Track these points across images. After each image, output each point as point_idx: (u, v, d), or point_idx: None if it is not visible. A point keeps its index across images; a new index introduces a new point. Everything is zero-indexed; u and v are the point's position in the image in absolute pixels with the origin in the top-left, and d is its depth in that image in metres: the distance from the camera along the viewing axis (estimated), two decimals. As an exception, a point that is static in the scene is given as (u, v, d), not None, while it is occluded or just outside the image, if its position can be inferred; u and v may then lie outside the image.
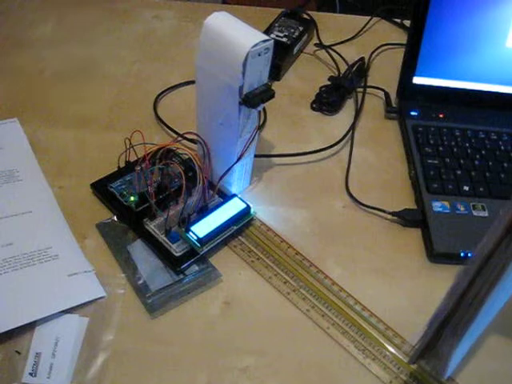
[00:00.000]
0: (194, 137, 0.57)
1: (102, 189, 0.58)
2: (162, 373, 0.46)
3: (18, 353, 0.46)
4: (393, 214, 0.59)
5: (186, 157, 0.60)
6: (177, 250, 0.53)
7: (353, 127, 0.69)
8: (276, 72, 0.75)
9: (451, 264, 0.56)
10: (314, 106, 0.73)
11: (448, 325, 0.37)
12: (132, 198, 0.56)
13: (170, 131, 0.66)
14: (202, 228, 0.53)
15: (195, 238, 0.52)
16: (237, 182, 0.58)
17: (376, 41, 0.83)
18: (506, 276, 0.33)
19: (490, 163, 0.64)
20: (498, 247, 0.32)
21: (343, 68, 0.77)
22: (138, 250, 0.54)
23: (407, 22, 0.87)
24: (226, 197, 0.58)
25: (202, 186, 0.53)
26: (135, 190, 0.56)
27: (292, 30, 0.80)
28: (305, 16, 0.84)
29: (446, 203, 0.59)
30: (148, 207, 0.55)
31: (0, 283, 0.49)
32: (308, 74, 0.78)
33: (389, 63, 0.79)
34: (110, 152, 0.59)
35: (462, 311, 0.36)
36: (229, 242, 0.55)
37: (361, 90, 0.74)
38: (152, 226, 0.54)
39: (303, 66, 0.79)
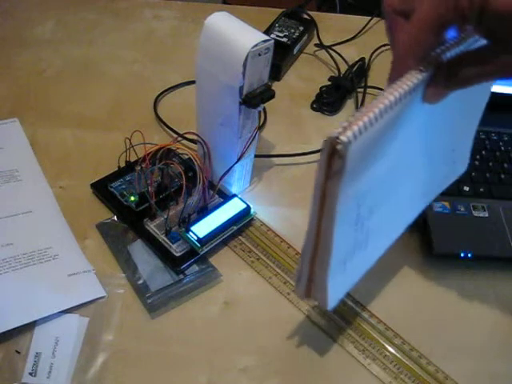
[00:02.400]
0: (194, 137, 0.57)
1: (102, 189, 0.58)
2: (161, 373, 0.46)
3: (18, 353, 0.46)
4: (393, 214, 0.59)
5: (186, 157, 0.60)
6: (177, 250, 0.53)
7: (353, 127, 0.69)
8: (276, 72, 0.75)
9: (451, 264, 0.56)
10: (314, 106, 0.73)
11: (316, 256, 0.40)
12: (132, 198, 0.56)
13: (170, 131, 0.66)
14: (202, 228, 0.53)
15: (195, 238, 0.52)
16: (237, 182, 0.58)
17: (376, 41, 0.83)
18: (342, 204, 0.35)
19: (491, 164, 0.64)
20: (327, 179, 0.34)
21: (343, 68, 0.77)
22: (138, 250, 0.54)
23: (407, 22, 0.86)
24: (226, 197, 0.58)
25: (202, 186, 0.53)
26: (135, 190, 0.56)
27: (292, 30, 0.80)
28: (305, 16, 0.84)
29: (446, 203, 0.59)
30: (148, 207, 0.55)
31: (0, 283, 0.49)
32: (308, 74, 0.78)
33: (389, 63, 0.78)
34: (110, 152, 0.59)
35: (321, 241, 0.38)
36: (229, 242, 0.55)
37: (361, 90, 0.74)
38: (152, 226, 0.54)
39: (303, 66, 0.79)
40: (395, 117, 0.35)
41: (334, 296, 0.43)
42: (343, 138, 0.31)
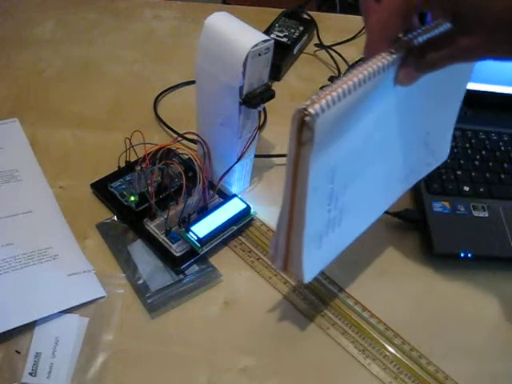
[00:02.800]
0: (194, 137, 0.57)
1: (102, 189, 0.58)
2: (161, 373, 0.46)
3: (18, 352, 0.46)
4: (393, 214, 0.59)
5: (186, 157, 0.60)
6: (177, 250, 0.53)
7: (353, 127, 0.69)
8: (276, 72, 0.75)
9: (451, 264, 0.56)
10: (314, 106, 0.73)
11: (291, 229, 0.41)
12: (132, 198, 0.56)
13: (170, 131, 0.66)
14: (202, 228, 0.53)
15: (195, 238, 0.52)
16: (237, 182, 0.58)
17: (376, 41, 0.83)
18: (313, 176, 0.36)
19: (491, 164, 0.64)
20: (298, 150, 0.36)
21: (343, 68, 0.77)
22: (138, 250, 0.54)
23: (407, 22, 0.86)
24: (226, 197, 0.58)
25: (202, 186, 0.53)
26: (135, 190, 0.56)
27: (292, 30, 0.80)
28: (305, 16, 0.84)
29: (446, 203, 0.59)
30: (148, 207, 0.55)
31: (0, 283, 0.49)
32: (308, 74, 0.78)
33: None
34: (110, 152, 0.59)
35: (295, 213, 0.39)
36: (229, 242, 0.55)
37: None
38: (152, 226, 0.54)
39: (303, 66, 0.79)
40: (366, 94, 0.36)
41: (309, 270, 0.44)
42: (311, 110, 0.33)
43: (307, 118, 0.33)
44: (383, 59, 0.37)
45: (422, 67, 0.39)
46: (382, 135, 0.43)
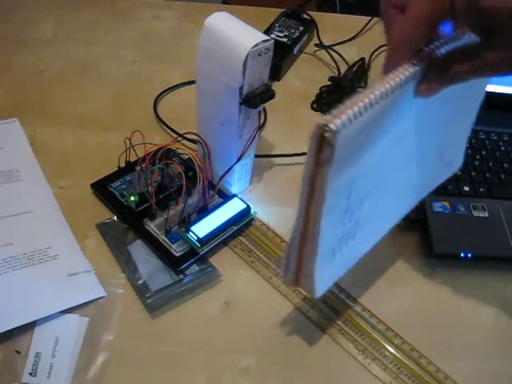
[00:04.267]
0: (194, 137, 0.57)
1: (102, 189, 0.58)
2: (161, 373, 0.46)
3: (18, 352, 0.46)
4: (393, 214, 0.59)
5: (186, 157, 0.60)
6: (177, 250, 0.53)
7: (353, 127, 0.69)
8: (276, 72, 0.75)
9: (451, 264, 0.56)
10: (315, 106, 0.73)
11: (304, 245, 0.40)
12: (132, 198, 0.56)
13: (170, 131, 0.66)
14: (202, 228, 0.53)
15: (195, 238, 0.52)
16: (237, 182, 0.58)
17: (376, 41, 0.83)
18: (331, 192, 0.35)
19: (491, 164, 0.64)
20: (317, 170, 0.34)
21: (343, 68, 0.77)
22: (138, 250, 0.53)
23: (407, 22, 0.86)
24: (226, 197, 0.58)
25: (202, 186, 0.53)
26: (135, 190, 0.56)
27: (292, 30, 0.80)
28: (305, 16, 0.84)
29: (447, 203, 0.59)
30: (148, 207, 0.55)
31: (0, 283, 0.49)
32: (308, 74, 0.78)
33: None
34: (109, 152, 0.59)
35: (309, 230, 0.38)
36: (229, 242, 0.55)
37: (361, 90, 0.74)
38: (152, 226, 0.54)
39: (303, 66, 0.79)
40: (386, 108, 0.35)
41: (321, 285, 0.43)
42: (332, 125, 0.32)
43: (328, 134, 0.32)
44: (405, 71, 0.36)
45: (445, 80, 0.38)
46: (400, 148, 0.42)
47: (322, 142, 0.32)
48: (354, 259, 0.47)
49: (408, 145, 0.43)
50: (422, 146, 0.45)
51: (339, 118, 0.32)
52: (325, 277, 0.43)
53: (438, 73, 0.37)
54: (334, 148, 0.32)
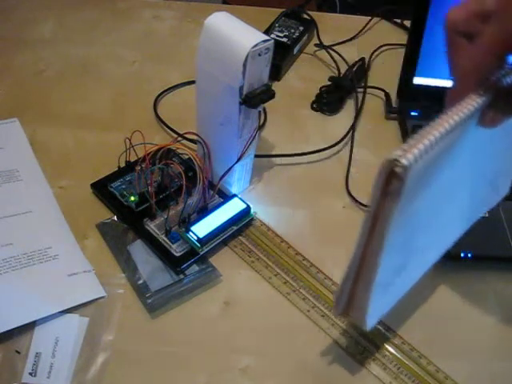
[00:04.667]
0: (194, 137, 0.57)
1: (102, 189, 0.58)
2: (161, 373, 0.46)
3: (18, 352, 0.46)
4: (393, 214, 0.59)
5: (186, 157, 0.60)
6: (177, 250, 0.53)
7: (353, 127, 0.69)
8: (276, 72, 0.75)
9: (451, 264, 0.56)
10: (314, 106, 0.73)
11: (359, 278, 0.39)
12: (132, 198, 0.56)
13: (170, 131, 0.66)
14: (202, 228, 0.53)
15: (195, 238, 0.52)
16: (237, 182, 0.58)
17: (376, 41, 0.83)
18: (393, 226, 0.34)
19: (490, 163, 0.64)
20: (381, 204, 0.33)
21: (343, 68, 0.77)
22: (138, 250, 0.54)
23: (407, 23, 0.86)
24: (226, 197, 0.58)
25: (202, 186, 0.53)
26: (135, 190, 0.56)
27: (292, 30, 0.80)
28: (305, 16, 0.84)
29: (446, 203, 0.59)
30: (148, 207, 0.55)
31: (0, 283, 0.49)
32: (308, 74, 0.78)
33: (389, 63, 0.79)
34: (110, 152, 0.59)
35: (366, 264, 0.38)
36: (229, 242, 0.55)
37: (361, 90, 0.74)
38: (152, 226, 0.54)
39: (303, 66, 0.79)
40: (453, 139, 0.34)
41: (372, 316, 0.43)
42: (404, 160, 0.31)
43: (398, 170, 0.31)
44: (473, 102, 0.34)
45: (511, 111, 0.37)
46: (457, 177, 0.41)
47: (392, 177, 0.32)
48: (404, 290, 0.46)
49: (464, 174, 0.42)
50: (475, 174, 0.44)
51: (411, 153, 0.31)
52: (376, 309, 0.42)
53: (504, 103, 0.36)
54: (404, 183, 0.31)
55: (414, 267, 0.45)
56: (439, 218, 0.43)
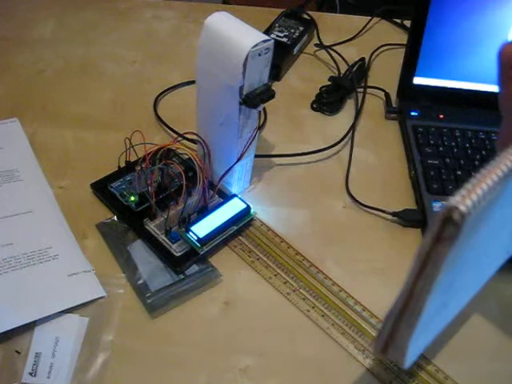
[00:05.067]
0: (194, 137, 0.57)
1: (102, 189, 0.58)
2: (162, 373, 0.46)
3: (18, 352, 0.46)
4: (393, 214, 0.59)
5: (186, 157, 0.60)
6: (177, 250, 0.53)
7: (353, 127, 0.69)
8: (276, 72, 0.75)
9: (451, 264, 0.56)
10: (314, 106, 0.73)
11: (403, 317, 0.39)
12: (132, 198, 0.56)
13: (170, 131, 0.66)
14: (202, 228, 0.53)
15: (195, 238, 0.52)
16: (237, 182, 0.58)
17: (376, 41, 0.83)
18: (442, 276, 0.34)
19: (491, 163, 0.64)
20: (431, 253, 0.33)
21: (343, 68, 0.77)
22: (138, 250, 0.54)
23: (408, 23, 0.87)
24: (226, 197, 0.58)
25: (202, 186, 0.53)
26: (135, 190, 0.56)
27: (292, 30, 0.80)
28: (305, 16, 0.84)
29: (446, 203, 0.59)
30: (148, 207, 0.55)
31: (0, 283, 0.49)
32: (308, 74, 0.78)
33: (389, 63, 0.79)
34: (110, 152, 0.59)
35: (411, 304, 0.38)
36: (229, 242, 0.55)
37: (361, 90, 0.74)
38: (152, 226, 0.54)
39: (303, 66, 0.79)
40: (507, 182, 0.34)
41: (411, 356, 0.42)
42: (463, 208, 0.30)
43: (457, 217, 0.30)
44: None
45: None
46: (505, 215, 0.40)
47: (448, 223, 0.31)
48: (443, 325, 0.46)
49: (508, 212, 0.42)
50: None
51: (470, 199, 0.30)
52: (415, 348, 0.42)
53: None
54: (461, 229, 0.31)
55: (455, 304, 0.44)
56: (485, 256, 0.42)
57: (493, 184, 0.31)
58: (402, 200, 0.61)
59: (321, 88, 0.74)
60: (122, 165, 0.59)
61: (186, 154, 0.59)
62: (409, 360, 0.42)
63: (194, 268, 0.53)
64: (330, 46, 0.81)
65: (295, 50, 0.79)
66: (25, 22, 0.81)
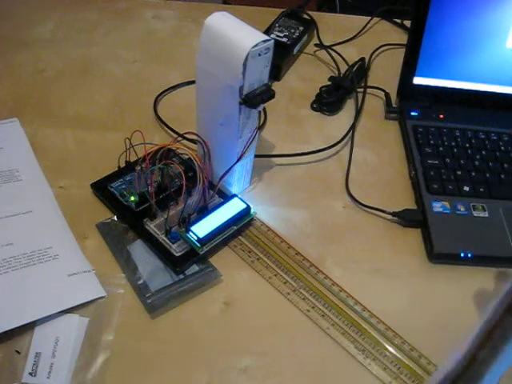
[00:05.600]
0: (194, 137, 0.57)
1: (102, 189, 0.58)
2: (161, 373, 0.46)
3: (18, 352, 0.46)
4: (393, 214, 0.59)
5: (186, 157, 0.60)
6: (177, 250, 0.53)
7: (353, 127, 0.69)
8: (276, 72, 0.75)
9: (451, 264, 0.56)
10: (314, 106, 0.73)
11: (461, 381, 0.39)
12: (132, 198, 0.56)
13: (170, 131, 0.66)
14: (202, 228, 0.53)
15: (195, 238, 0.52)
16: (237, 182, 0.58)
17: (376, 41, 0.83)
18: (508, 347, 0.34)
19: (491, 164, 0.64)
20: (500, 323, 0.33)
21: (343, 68, 0.77)
22: (138, 250, 0.54)
23: (407, 23, 0.87)
24: (226, 197, 0.58)
25: (202, 186, 0.53)
26: (135, 190, 0.56)
27: (292, 30, 0.80)
28: (305, 16, 0.84)
29: (447, 203, 0.59)
30: (148, 207, 0.55)
31: (0, 283, 0.49)
32: (308, 74, 0.78)
33: (389, 63, 0.79)
34: (110, 152, 0.59)
35: (473, 370, 0.37)
36: (229, 242, 0.55)
37: (361, 90, 0.74)
38: (152, 226, 0.54)
39: (303, 66, 0.79)
40: None
41: None
42: None
43: None
44: None
45: None
46: None
47: None
48: None
49: None
50: None
51: None
52: None
53: None
54: None
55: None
56: None
57: None
58: (402, 200, 0.61)
59: (321, 88, 0.74)
60: (122, 165, 0.59)
61: (186, 154, 0.59)
62: None
63: (194, 268, 0.53)
64: (330, 46, 0.81)
65: (295, 50, 0.79)
66: (25, 22, 0.81)
